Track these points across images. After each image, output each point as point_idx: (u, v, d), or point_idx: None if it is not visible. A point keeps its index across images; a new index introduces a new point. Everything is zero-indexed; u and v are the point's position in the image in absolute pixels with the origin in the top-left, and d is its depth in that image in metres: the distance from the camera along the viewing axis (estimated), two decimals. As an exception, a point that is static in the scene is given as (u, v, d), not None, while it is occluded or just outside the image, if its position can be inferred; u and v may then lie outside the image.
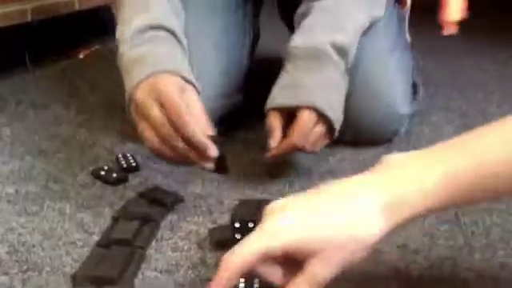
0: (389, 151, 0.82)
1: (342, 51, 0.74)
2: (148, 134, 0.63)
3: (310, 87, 0.71)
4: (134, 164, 0.76)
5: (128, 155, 0.78)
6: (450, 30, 0.88)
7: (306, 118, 0.69)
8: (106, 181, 0.73)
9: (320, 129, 0.70)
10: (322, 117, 0.69)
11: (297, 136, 0.68)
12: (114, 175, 0.73)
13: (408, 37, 0.96)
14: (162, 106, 0.62)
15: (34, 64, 1.39)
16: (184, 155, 0.62)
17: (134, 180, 0.74)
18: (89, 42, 1.54)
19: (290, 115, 0.70)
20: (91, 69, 1.33)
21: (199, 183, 0.73)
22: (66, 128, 0.94)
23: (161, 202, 0.65)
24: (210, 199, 0.68)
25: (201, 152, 0.62)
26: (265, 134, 0.72)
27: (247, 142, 0.86)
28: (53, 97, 1.11)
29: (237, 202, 0.65)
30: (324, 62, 0.73)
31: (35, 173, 0.77)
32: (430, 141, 0.86)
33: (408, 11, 0.94)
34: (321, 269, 0.42)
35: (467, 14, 0.88)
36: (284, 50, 0.77)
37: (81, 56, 1.47)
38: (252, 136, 0.88)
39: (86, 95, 1.12)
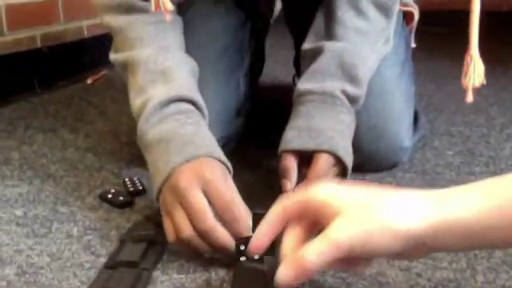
0: (392, 174, 0.83)
1: (351, 99, 0.74)
2: (184, 223, 0.57)
3: (328, 132, 0.71)
4: (140, 188, 0.78)
5: (134, 179, 0.80)
6: (469, 96, 0.87)
7: (324, 162, 0.69)
8: (113, 204, 0.74)
9: (335, 172, 0.70)
10: (338, 161, 0.70)
11: (315, 179, 0.67)
12: (121, 198, 0.74)
13: (413, 43, 0.96)
14: (207, 194, 0.57)
15: (42, 89, 1.42)
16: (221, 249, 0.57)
17: (140, 203, 0.75)
18: (96, 67, 1.56)
19: (303, 158, 0.71)
20: (99, 94, 1.35)
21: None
22: (73, 152, 0.95)
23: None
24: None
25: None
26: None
27: (250, 165, 0.87)
28: (61, 121, 1.13)
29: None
30: (337, 107, 0.73)
31: (43, 196, 0.78)
32: (433, 166, 0.88)
33: (415, 26, 0.95)
34: (340, 227, 0.44)
35: (484, 80, 0.87)
36: (294, 91, 0.77)
37: (89, 81, 1.50)
38: (254, 158, 0.89)
39: (93, 120, 1.14)
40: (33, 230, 0.68)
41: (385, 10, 0.78)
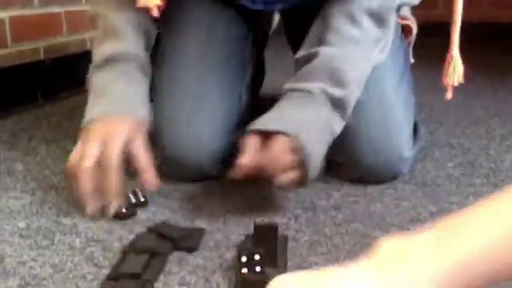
0: (393, 186, 0.84)
1: (334, 101, 0.75)
2: (73, 158, 0.73)
3: (293, 120, 0.72)
4: (142, 199, 0.78)
5: (137, 190, 0.80)
6: (448, 94, 0.91)
7: (279, 142, 0.70)
8: (116, 215, 0.74)
9: (293, 158, 0.70)
10: (298, 149, 0.70)
11: (266, 156, 0.69)
12: (124, 210, 0.74)
13: (411, 59, 0.97)
14: (104, 147, 0.71)
15: (45, 100, 1.43)
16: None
17: (142, 215, 0.75)
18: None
19: (268, 140, 0.71)
20: (101, 105, 1.36)
21: (206, 219, 0.74)
22: (76, 163, 0.96)
23: (169, 236, 0.67)
24: (217, 234, 0.70)
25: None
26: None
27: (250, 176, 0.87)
28: (64, 132, 1.14)
29: (243, 237, 0.67)
30: (313, 104, 0.74)
31: (46, 207, 0.78)
32: (434, 177, 0.89)
33: (413, 40, 0.96)
34: None
35: (464, 79, 0.90)
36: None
37: (91, 93, 1.51)
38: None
39: (95, 131, 1.15)
40: (36, 241, 0.69)
41: (379, 20, 0.79)
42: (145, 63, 0.82)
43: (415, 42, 0.97)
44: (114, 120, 0.74)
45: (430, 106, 1.31)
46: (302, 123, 0.72)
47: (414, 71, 0.97)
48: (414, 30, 0.94)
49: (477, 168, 0.92)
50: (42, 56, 1.46)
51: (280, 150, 0.69)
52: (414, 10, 0.96)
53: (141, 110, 0.78)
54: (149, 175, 0.74)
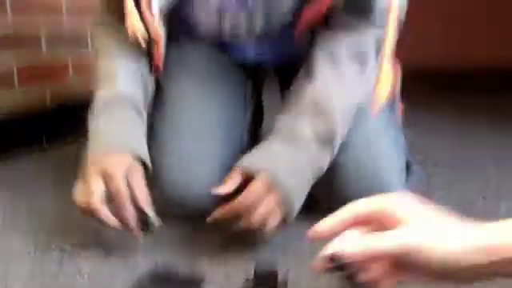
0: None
1: (323, 138, 0.77)
2: (81, 196, 0.74)
3: (272, 158, 0.74)
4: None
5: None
6: (375, 106, 0.89)
7: (257, 184, 0.70)
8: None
9: (272, 200, 0.71)
10: (276, 188, 0.71)
11: (242, 199, 0.70)
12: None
13: (399, 102, 0.98)
14: (106, 184, 0.72)
15: (50, 145, 1.45)
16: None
17: (145, 258, 0.76)
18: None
19: (251, 178, 0.73)
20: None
21: (207, 260, 0.75)
22: (80, 207, 0.97)
23: (170, 280, 0.68)
24: (218, 277, 0.70)
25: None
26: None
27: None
28: (68, 176, 1.16)
29: (243, 281, 0.68)
30: (299, 142, 0.76)
31: (50, 249, 0.79)
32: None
33: (399, 83, 0.97)
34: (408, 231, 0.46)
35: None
36: None
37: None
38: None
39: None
40: (40, 284, 0.69)
41: (359, 58, 0.82)
42: (140, 104, 0.83)
43: (408, 87, 0.98)
44: (112, 155, 0.75)
45: (426, 149, 1.33)
46: (281, 161, 0.74)
47: (408, 115, 0.99)
48: (398, 75, 0.96)
49: (474, 211, 0.93)
50: (48, 101, 1.49)
51: (256, 191, 0.71)
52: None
53: (139, 148, 0.79)
54: (147, 210, 0.74)
